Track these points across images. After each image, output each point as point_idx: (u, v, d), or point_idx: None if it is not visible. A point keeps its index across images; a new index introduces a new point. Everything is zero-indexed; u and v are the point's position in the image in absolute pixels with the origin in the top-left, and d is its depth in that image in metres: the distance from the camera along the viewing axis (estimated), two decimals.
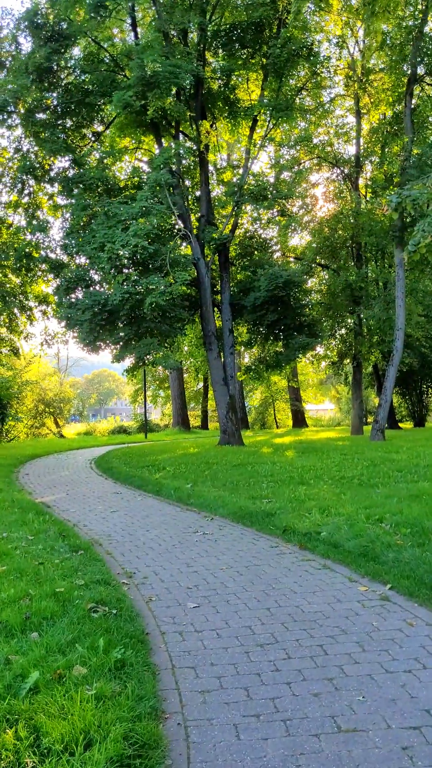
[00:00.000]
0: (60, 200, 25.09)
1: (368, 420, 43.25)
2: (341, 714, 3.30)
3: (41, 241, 23.64)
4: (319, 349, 31.82)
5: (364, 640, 4.25)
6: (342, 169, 29.70)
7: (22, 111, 22.17)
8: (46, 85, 22.14)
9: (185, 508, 9.82)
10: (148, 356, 21.27)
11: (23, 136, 23.58)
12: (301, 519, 7.82)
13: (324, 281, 30.84)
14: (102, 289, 20.88)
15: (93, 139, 24.96)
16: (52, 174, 24.21)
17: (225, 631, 4.49)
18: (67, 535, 7.45)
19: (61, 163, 24.27)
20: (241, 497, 9.82)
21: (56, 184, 23.92)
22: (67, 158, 23.43)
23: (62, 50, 21.36)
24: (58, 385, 46.88)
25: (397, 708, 3.34)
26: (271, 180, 26.43)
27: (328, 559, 6.34)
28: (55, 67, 21.81)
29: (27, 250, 23.02)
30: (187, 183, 25.27)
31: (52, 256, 23.85)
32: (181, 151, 22.46)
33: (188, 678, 3.76)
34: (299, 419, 47.90)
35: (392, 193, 23.26)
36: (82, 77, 22.55)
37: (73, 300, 20.85)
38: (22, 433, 42.85)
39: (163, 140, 23.13)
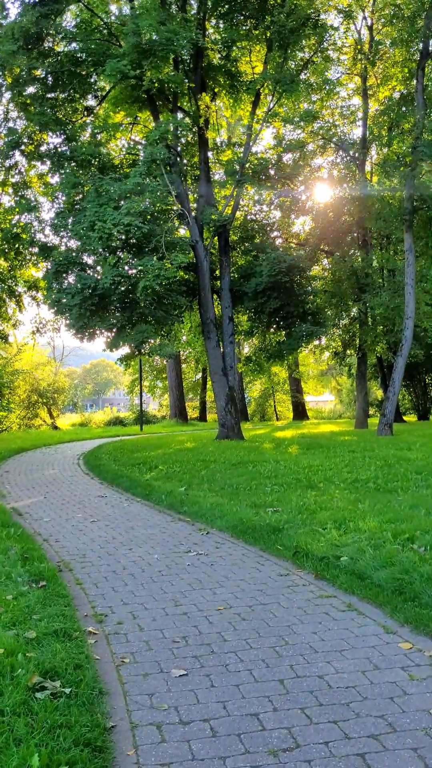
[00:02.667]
0: (52, 180, 23.65)
1: (370, 413, 41.97)
2: None
3: (31, 222, 22.25)
4: (320, 340, 30.51)
5: (421, 743, 2.95)
6: (348, 152, 28.27)
7: (9, 81, 20.72)
8: (35, 54, 20.67)
9: (177, 517, 8.51)
10: (143, 344, 19.91)
11: (11, 108, 22.09)
12: (314, 537, 6.51)
13: (328, 267, 29.46)
14: (95, 273, 19.48)
15: (86, 114, 23.48)
16: (42, 150, 22.75)
17: (223, 723, 3.17)
18: (31, 557, 6.13)
19: (53, 139, 22.85)
20: (242, 505, 8.52)
21: (47, 161, 22.47)
22: (58, 135, 22.00)
23: (52, 15, 19.87)
24: (52, 375, 45.42)
25: None
26: (274, 160, 25.00)
27: (352, 595, 5.03)
28: (44, 33, 20.31)
29: (15, 231, 21.62)
30: (185, 162, 23.86)
31: (42, 238, 22.48)
32: (179, 128, 21.05)
33: None
34: (300, 411, 46.61)
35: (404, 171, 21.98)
36: (73, 45, 21.04)
37: (64, 285, 19.48)
38: (14, 424, 41.56)
39: (160, 117, 21.68)
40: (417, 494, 8.78)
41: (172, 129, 20.13)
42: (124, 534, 7.49)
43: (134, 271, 18.95)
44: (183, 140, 23.89)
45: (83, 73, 21.28)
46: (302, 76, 23.59)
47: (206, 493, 9.67)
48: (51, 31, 20.41)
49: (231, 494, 9.50)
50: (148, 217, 18.53)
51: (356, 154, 27.44)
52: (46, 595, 4.95)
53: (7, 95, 21.34)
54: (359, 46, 26.13)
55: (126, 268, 18.37)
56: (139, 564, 6.11)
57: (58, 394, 44.69)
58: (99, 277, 18.40)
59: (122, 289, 18.60)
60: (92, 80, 22.18)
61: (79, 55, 20.70)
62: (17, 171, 23.28)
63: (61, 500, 10.19)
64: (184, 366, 47.15)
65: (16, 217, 22.32)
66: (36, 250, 22.79)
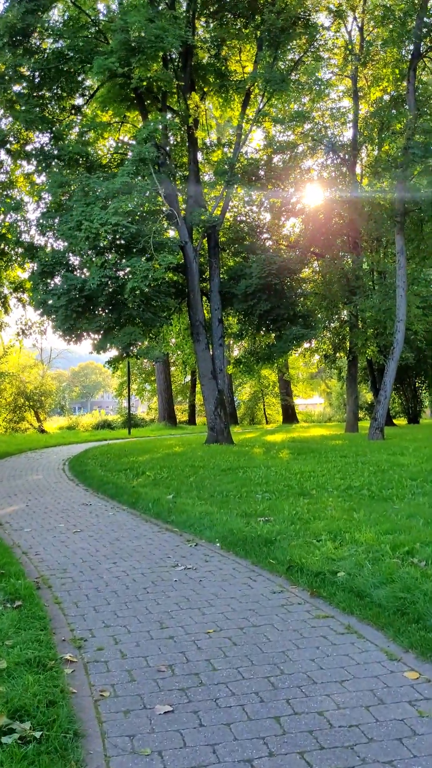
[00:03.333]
0: (38, 180, 23.22)
1: (360, 416, 41.73)
2: None
3: (16, 221, 21.85)
4: (310, 343, 30.22)
5: None
6: (338, 154, 28.03)
7: None
8: (21, 51, 20.28)
9: (164, 527, 8.15)
10: (130, 347, 19.54)
11: None
12: (308, 549, 6.16)
13: (318, 269, 29.16)
14: (82, 275, 19.07)
15: (73, 112, 23.07)
16: (28, 149, 22.34)
17: None
18: (8, 572, 5.74)
19: (39, 138, 22.46)
20: (232, 514, 8.17)
21: (33, 161, 22.07)
22: (45, 134, 21.62)
23: (39, 11, 19.48)
24: (39, 378, 44.86)
25: None
26: (264, 161, 24.71)
27: (351, 615, 4.69)
28: (31, 29, 19.91)
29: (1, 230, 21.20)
30: (175, 163, 23.52)
31: (28, 238, 22.10)
32: (168, 127, 20.70)
33: None
34: (290, 414, 46.34)
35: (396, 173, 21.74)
36: (61, 43, 20.63)
37: (50, 286, 19.08)
38: (0, 427, 41.07)
39: (149, 116, 21.33)
40: (413, 502, 8.47)
41: (160, 128, 19.81)
42: (108, 546, 7.12)
43: (122, 272, 18.60)
44: (172, 140, 23.57)
45: (70, 71, 20.90)
46: (293, 77, 23.33)
47: (195, 501, 9.32)
48: (38, 28, 20.03)
49: (220, 502, 9.15)
50: (137, 217, 18.18)
51: (347, 157, 27.19)
52: (21, 617, 4.58)
53: None
54: (350, 46, 25.87)
55: (114, 269, 18.00)
56: (124, 580, 5.74)
57: (45, 397, 44.18)
58: (86, 278, 18.01)
59: (110, 290, 18.24)
60: (80, 78, 21.82)
61: (66, 53, 20.32)
62: (2, 170, 22.83)
63: (44, 509, 9.79)
64: (173, 369, 46.76)
65: (1, 217, 21.90)
66: (21, 250, 22.42)
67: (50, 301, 18.27)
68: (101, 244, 17.77)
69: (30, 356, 47.53)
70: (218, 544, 7.01)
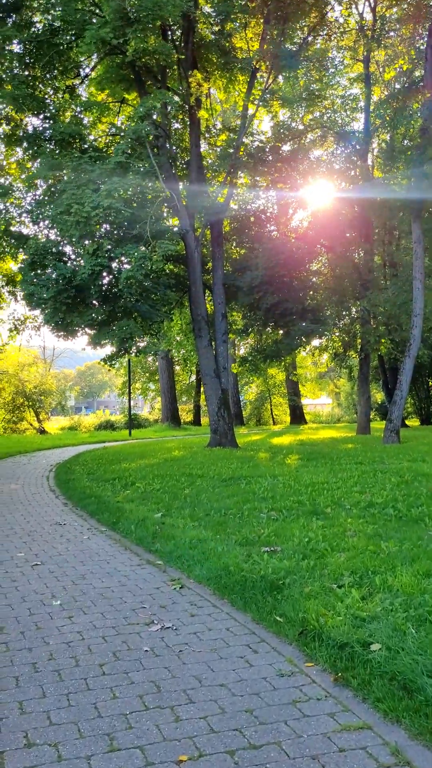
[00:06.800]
0: (33, 168, 21.72)
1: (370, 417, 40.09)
2: None
3: (6, 209, 20.38)
4: (318, 342, 28.72)
5: None
6: (350, 142, 26.47)
7: None
8: (10, 25, 18.82)
9: (146, 558, 6.60)
10: (127, 342, 18.04)
11: None
12: (327, 601, 4.62)
13: (327, 262, 27.60)
14: (76, 265, 17.59)
15: (68, 93, 21.55)
16: (19, 134, 20.87)
17: None
18: None
19: (32, 120, 21.02)
20: (230, 541, 6.63)
21: (24, 144, 20.59)
22: (38, 117, 20.17)
23: None
24: (38, 377, 43.38)
25: None
26: (270, 147, 23.13)
27: (398, 725, 3.14)
28: (21, 1, 18.44)
29: None
30: (175, 147, 21.99)
31: (21, 228, 20.66)
32: (168, 105, 19.14)
33: None
34: (297, 415, 44.76)
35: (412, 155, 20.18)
36: (51, 13, 19.08)
37: (42, 277, 17.59)
38: None
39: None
40: None
41: (159, 106, 18.26)
42: (69, 588, 5.58)
43: (116, 263, 17.15)
44: (173, 125, 22.05)
45: (62, 46, 19.39)
46: (302, 58, 21.80)
47: (186, 522, 7.78)
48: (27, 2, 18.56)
49: (217, 524, 7.61)
50: (134, 204, 16.70)
51: (358, 145, 25.60)
52: None
53: None
54: (363, 23, 24.29)
55: (107, 257, 16.48)
56: (76, 649, 4.19)
57: (45, 396, 42.72)
58: (75, 268, 16.53)
59: (103, 281, 16.77)
60: (73, 55, 20.30)
61: (58, 26, 18.80)
62: None
63: (7, 529, 8.26)
64: (177, 368, 45.28)
65: None
66: (13, 241, 20.97)
67: (38, 294, 16.78)
68: (93, 230, 16.25)
69: (29, 354, 46.09)
70: (210, 588, 5.47)
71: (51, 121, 19.70)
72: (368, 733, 3.07)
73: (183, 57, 19.16)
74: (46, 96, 20.87)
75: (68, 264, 17.45)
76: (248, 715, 3.26)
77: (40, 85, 20.76)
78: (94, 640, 4.31)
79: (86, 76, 21.54)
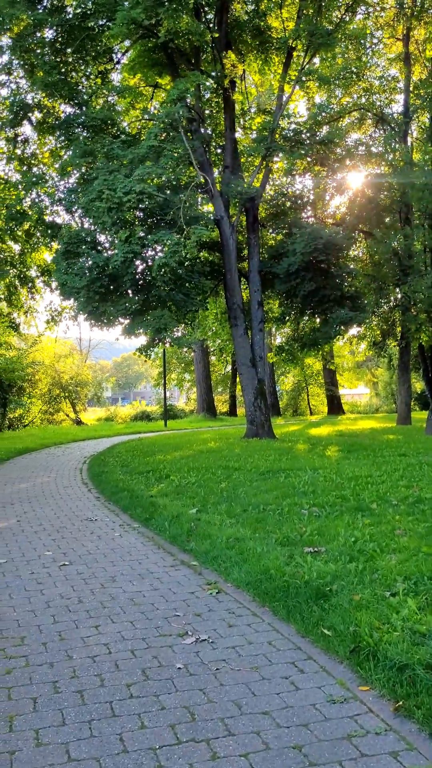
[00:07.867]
0: (66, 156, 21.45)
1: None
2: None
3: (41, 199, 20.13)
4: (355, 330, 27.96)
5: None
6: (389, 124, 25.62)
7: (9, 42, 18.59)
8: (39, 10, 18.48)
9: (180, 558, 6.20)
10: (161, 332, 17.62)
11: (17, 69, 19.89)
12: (380, 612, 4.14)
13: (366, 248, 26.82)
14: (108, 253, 17.27)
15: (99, 78, 21.17)
16: (52, 121, 20.58)
17: None
18: None
19: (64, 107, 20.70)
20: (270, 540, 6.18)
21: (57, 132, 20.30)
22: (70, 104, 19.85)
23: None
24: (74, 368, 43.36)
25: None
26: (306, 129, 22.42)
27: None
28: None
29: (19, 208, 19.47)
30: (209, 131, 21.47)
31: (54, 217, 20.40)
32: (201, 88, 18.63)
33: None
34: (335, 405, 43.98)
35: None
36: None
37: (75, 266, 17.31)
38: (37, 418, 39.79)
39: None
40: None
41: (193, 88, 17.75)
42: (97, 592, 5.20)
43: (150, 250, 16.74)
44: (207, 110, 21.52)
45: (94, 30, 19.01)
46: (339, 35, 21.06)
47: (223, 519, 7.36)
48: None
49: (255, 521, 7.16)
50: (167, 190, 16.27)
51: (397, 127, 24.74)
52: None
53: (5, 57, 19.21)
54: None
55: (140, 243, 16.08)
56: (101, 665, 3.79)
57: (81, 388, 42.70)
58: (108, 256, 16.19)
59: (135, 269, 16.39)
60: (105, 38, 19.91)
61: (90, 7, 18.41)
62: (23, 140, 21.17)
63: (36, 525, 7.94)
64: (213, 358, 44.87)
65: (24, 194, 20.22)
66: (46, 230, 20.74)
67: (71, 283, 16.49)
68: (125, 217, 15.86)
69: (65, 345, 46.13)
70: (249, 593, 5.03)
71: (83, 108, 19.37)
72: None
73: (216, 36, 18.60)
74: (78, 83, 20.53)
75: (102, 253, 17.13)
76: (296, 753, 2.81)
77: (72, 72, 20.43)
78: (122, 654, 3.91)
79: (118, 61, 21.14)
